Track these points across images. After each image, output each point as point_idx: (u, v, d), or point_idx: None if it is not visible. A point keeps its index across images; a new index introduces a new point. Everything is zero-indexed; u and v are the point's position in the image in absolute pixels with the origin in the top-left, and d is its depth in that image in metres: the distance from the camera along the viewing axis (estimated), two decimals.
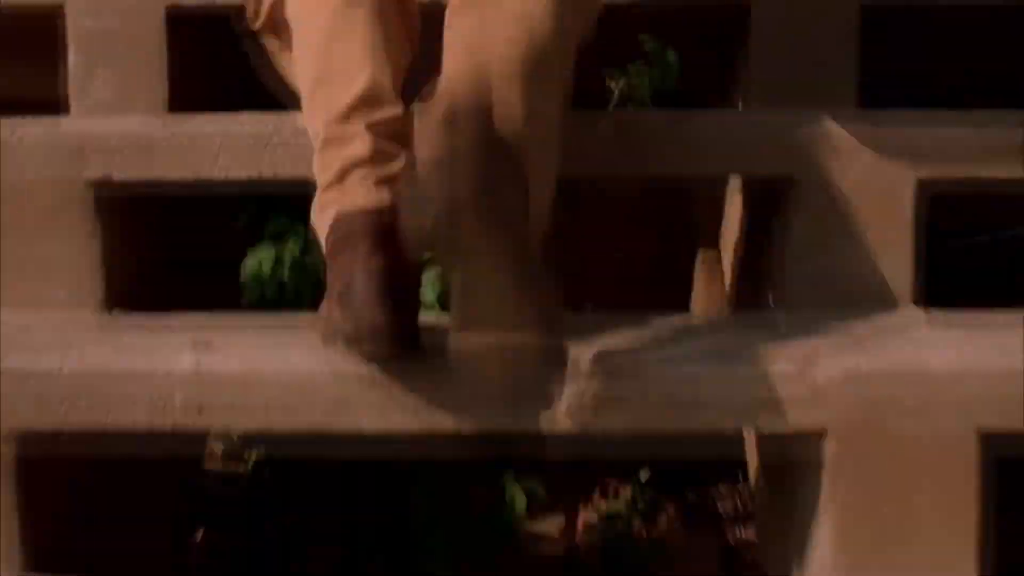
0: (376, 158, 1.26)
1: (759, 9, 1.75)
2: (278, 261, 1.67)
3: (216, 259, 1.73)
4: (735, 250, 1.92)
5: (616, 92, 1.83)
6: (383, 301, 1.17)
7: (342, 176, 1.27)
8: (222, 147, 1.51)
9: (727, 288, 1.99)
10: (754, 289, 1.76)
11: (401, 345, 1.20)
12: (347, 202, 1.25)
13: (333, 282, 1.23)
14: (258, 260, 1.68)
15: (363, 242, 1.20)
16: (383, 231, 1.20)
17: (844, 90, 1.73)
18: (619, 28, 1.83)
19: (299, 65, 1.37)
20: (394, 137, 1.28)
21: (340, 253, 1.23)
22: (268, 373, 1.26)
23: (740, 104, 1.89)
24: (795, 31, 1.75)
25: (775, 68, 1.75)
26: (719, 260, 2.05)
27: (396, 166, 1.26)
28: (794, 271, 1.50)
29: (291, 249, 1.68)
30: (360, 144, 1.27)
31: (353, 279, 1.19)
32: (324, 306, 1.29)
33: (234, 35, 1.83)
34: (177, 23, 1.78)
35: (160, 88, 1.76)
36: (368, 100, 1.29)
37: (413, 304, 1.24)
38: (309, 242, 1.64)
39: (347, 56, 1.31)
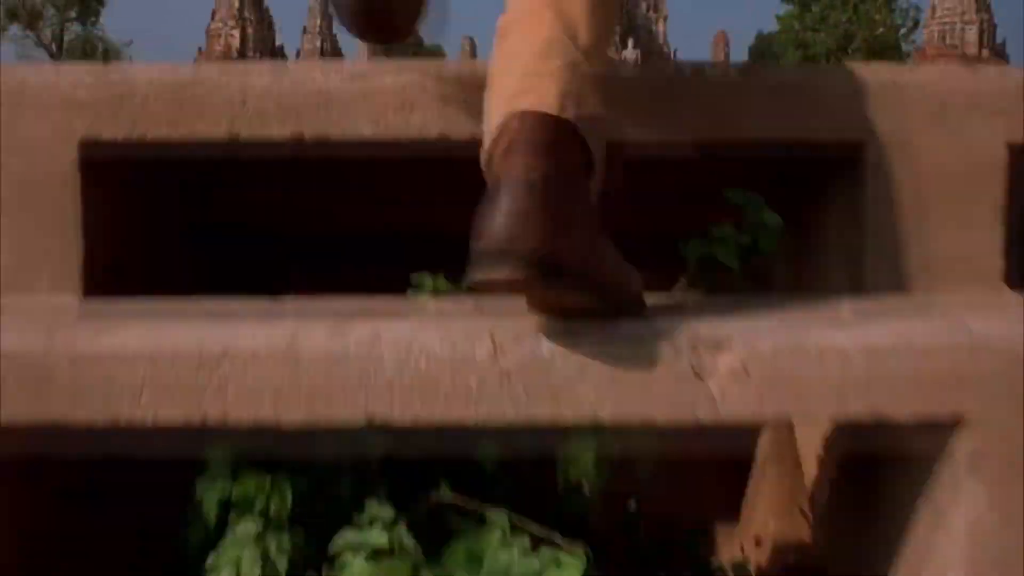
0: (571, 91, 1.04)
1: (877, 179, 1.33)
2: (266, 560, 1.08)
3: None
4: None
5: (691, 264, 1.33)
6: (527, 207, 0.94)
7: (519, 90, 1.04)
8: (148, 377, 1.06)
9: None
10: None
11: (536, 267, 0.93)
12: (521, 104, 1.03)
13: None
14: (232, 560, 1.09)
15: (524, 148, 0.99)
16: (553, 140, 1.00)
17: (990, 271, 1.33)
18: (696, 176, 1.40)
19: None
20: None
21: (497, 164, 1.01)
22: None
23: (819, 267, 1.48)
24: (919, 197, 1.33)
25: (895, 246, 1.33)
26: None
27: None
28: None
29: (276, 521, 1.10)
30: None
31: (499, 188, 0.97)
32: None
33: (174, 176, 1.41)
34: (95, 164, 1.33)
35: (71, 254, 1.32)
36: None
37: (571, 228, 0.97)
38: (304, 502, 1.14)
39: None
